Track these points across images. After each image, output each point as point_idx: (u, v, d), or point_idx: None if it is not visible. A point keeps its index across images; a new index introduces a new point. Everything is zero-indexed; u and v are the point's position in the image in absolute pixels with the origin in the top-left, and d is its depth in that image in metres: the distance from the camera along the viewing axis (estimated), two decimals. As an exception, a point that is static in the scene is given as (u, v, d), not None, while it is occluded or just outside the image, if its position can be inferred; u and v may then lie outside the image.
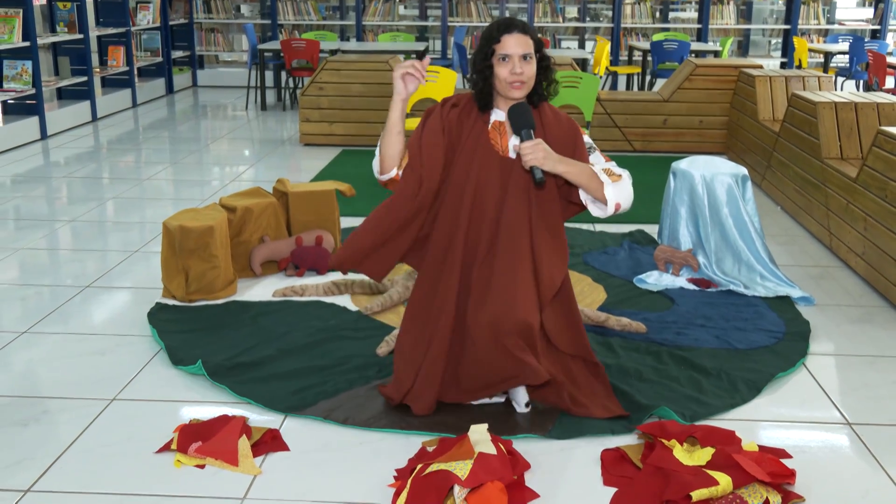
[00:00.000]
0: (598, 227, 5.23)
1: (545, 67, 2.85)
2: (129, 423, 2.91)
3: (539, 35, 2.88)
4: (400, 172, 2.87)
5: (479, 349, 2.75)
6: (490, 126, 2.89)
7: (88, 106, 8.84)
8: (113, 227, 5.22)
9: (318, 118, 7.65)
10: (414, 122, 6.26)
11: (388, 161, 2.86)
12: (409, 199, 2.80)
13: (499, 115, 2.89)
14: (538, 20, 11.41)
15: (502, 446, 2.59)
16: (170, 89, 11.02)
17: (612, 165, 2.90)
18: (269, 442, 2.76)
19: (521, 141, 2.72)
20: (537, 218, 2.85)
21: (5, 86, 7.81)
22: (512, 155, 2.86)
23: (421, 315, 2.92)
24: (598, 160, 2.90)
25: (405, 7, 11.95)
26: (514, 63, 2.74)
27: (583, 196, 2.85)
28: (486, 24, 2.95)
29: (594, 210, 2.87)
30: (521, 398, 2.93)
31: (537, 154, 2.68)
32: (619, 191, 2.84)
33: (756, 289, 4.10)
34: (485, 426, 2.67)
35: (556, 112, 2.92)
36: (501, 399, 3.01)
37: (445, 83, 6.51)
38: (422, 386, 2.87)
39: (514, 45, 2.75)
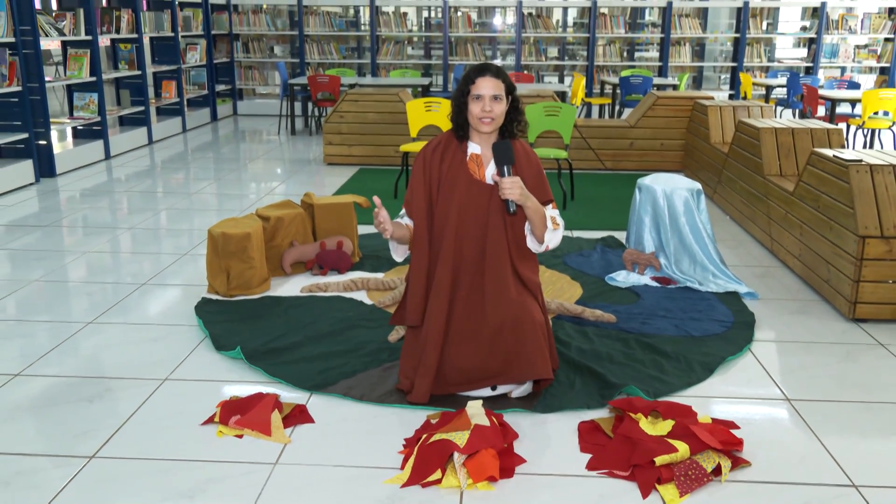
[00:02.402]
0: (576, 234, 5.22)
1: (515, 108, 2.81)
2: (178, 399, 2.90)
3: (512, 80, 2.83)
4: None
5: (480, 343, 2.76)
6: (468, 158, 2.84)
7: (145, 131, 8.84)
8: (166, 234, 5.21)
9: (339, 142, 7.64)
10: (420, 145, 6.25)
11: (402, 248, 2.88)
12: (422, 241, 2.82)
13: (474, 147, 2.84)
14: (525, 59, 11.40)
15: (495, 419, 2.58)
16: (214, 117, 11.01)
17: (557, 214, 2.86)
18: (298, 415, 2.75)
19: (502, 176, 2.68)
20: (511, 235, 2.82)
21: (75, 114, 7.82)
22: (489, 181, 2.81)
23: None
24: (548, 208, 2.86)
25: (412, 48, 11.94)
26: (486, 102, 2.71)
27: (526, 228, 2.83)
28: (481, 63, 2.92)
29: (529, 241, 2.85)
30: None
31: (514, 190, 2.64)
32: (553, 236, 2.82)
33: (709, 285, 4.09)
34: (480, 402, 2.66)
35: (526, 150, 2.87)
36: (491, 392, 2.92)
37: (446, 113, 6.50)
38: (419, 379, 2.82)
39: (487, 86, 2.71)
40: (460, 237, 2.80)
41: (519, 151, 2.83)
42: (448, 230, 2.78)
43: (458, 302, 2.80)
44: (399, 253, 2.90)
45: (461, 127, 2.82)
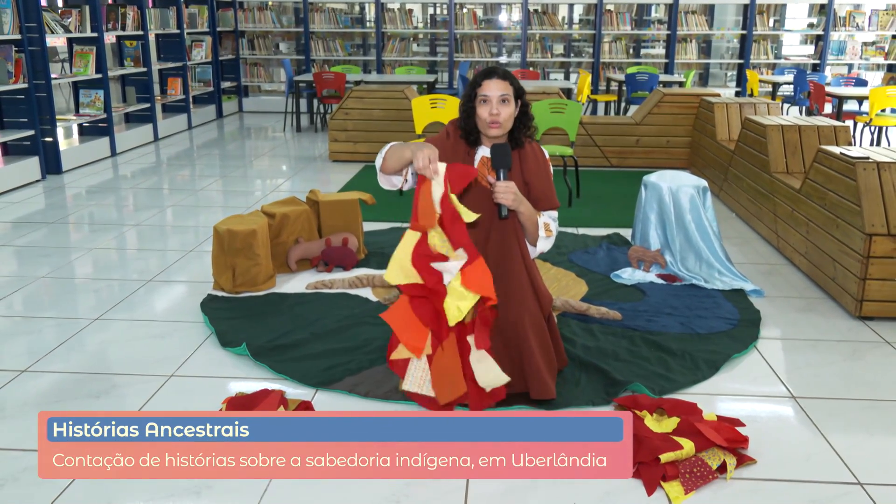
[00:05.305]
0: (581, 231, 5.22)
1: (525, 113, 2.78)
2: (184, 395, 2.91)
3: (521, 84, 2.77)
4: (405, 184, 2.79)
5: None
6: (479, 162, 2.81)
7: (151, 128, 8.86)
8: (171, 231, 5.23)
9: (344, 139, 7.65)
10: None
11: (391, 170, 2.75)
12: None
13: (485, 151, 2.82)
14: (530, 56, 11.39)
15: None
16: (219, 114, 11.03)
17: (553, 221, 2.86)
18: (303, 412, 2.76)
19: (497, 179, 2.65)
20: (520, 233, 2.82)
21: (81, 111, 7.84)
22: None
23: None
24: (545, 214, 2.86)
25: (418, 45, 11.94)
26: (492, 104, 2.68)
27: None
28: (486, 60, 2.89)
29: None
30: None
31: (508, 195, 2.62)
32: (545, 244, 2.85)
33: (714, 283, 4.08)
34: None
35: (536, 154, 2.86)
36: None
37: (451, 109, 6.50)
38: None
39: (493, 88, 2.69)
40: None
41: (528, 154, 2.82)
42: None
43: None
44: (387, 170, 2.75)
45: (470, 133, 2.79)
